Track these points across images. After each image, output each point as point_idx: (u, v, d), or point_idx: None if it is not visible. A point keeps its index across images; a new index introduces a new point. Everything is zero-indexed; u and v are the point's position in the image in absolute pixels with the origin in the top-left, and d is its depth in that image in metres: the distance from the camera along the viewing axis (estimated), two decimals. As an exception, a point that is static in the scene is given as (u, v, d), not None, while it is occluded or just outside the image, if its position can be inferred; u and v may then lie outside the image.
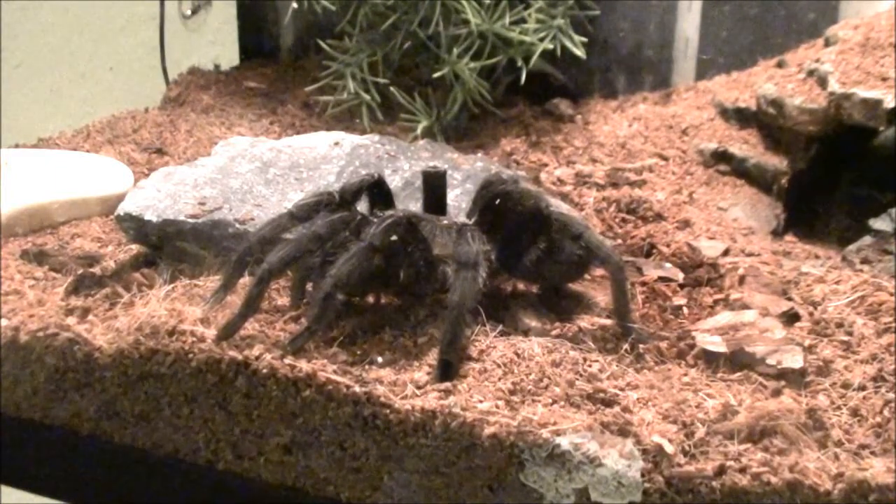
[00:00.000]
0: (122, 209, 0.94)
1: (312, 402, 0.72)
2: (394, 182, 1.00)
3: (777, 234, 1.14)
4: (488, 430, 0.67)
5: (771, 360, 0.75)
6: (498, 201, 0.85)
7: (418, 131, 1.29)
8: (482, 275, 0.76)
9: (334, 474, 0.73)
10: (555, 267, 0.84)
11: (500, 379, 0.72)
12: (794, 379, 0.74)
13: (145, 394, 0.77)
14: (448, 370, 0.72)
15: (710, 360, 0.77)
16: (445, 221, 0.86)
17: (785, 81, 1.22)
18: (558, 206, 0.98)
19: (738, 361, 0.76)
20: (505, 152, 1.26)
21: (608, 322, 0.82)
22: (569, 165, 1.20)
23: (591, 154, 1.23)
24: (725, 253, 0.96)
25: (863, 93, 1.10)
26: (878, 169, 1.22)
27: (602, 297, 0.87)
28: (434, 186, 0.90)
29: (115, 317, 0.80)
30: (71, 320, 0.81)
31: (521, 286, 0.89)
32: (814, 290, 0.87)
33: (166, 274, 0.88)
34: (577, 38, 1.31)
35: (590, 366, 0.74)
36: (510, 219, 0.84)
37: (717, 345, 0.78)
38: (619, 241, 1.01)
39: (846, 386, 0.73)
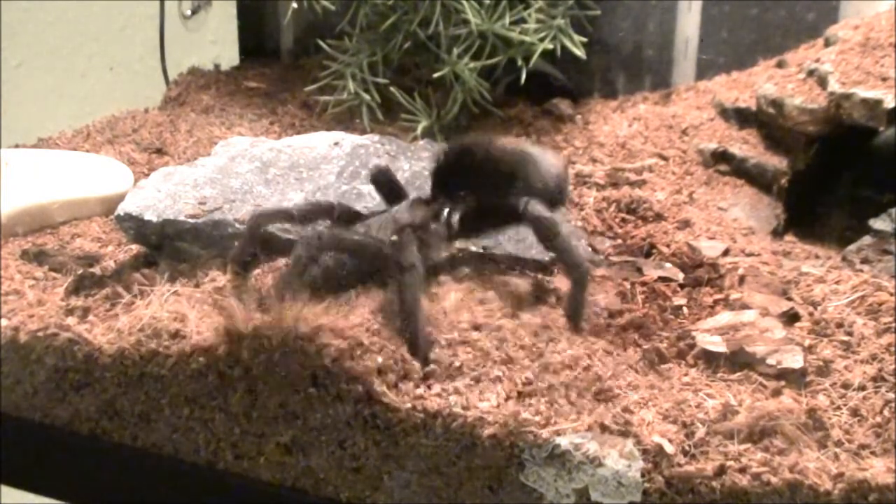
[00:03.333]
0: (122, 209, 0.94)
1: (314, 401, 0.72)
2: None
3: (777, 234, 1.14)
4: (488, 430, 0.67)
5: (771, 360, 0.75)
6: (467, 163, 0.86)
7: (418, 131, 1.29)
8: (420, 270, 0.75)
9: (334, 474, 0.73)
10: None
11: (500, 379, 0.72)
12: (794, 379, 0.74)
13: (146, 394, 0.77)
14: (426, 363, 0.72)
15: (710, 360, 0.77)
16: (387, 215, 0.86)
17: (785, 81, 1.22)
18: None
19: (738, 361, 0.76)
20: (505, 152, 1.26)
21: (608, 322, 0.82)
22: (569, 165, 1.20)
23: (591, 154, 1.23)
24: (725, 253, 0.96)
25: (863, 93, 1.10)
26: (878, 169, 1.22)
27: (602, 296, 0.87)
28: (382, 183, 0.91)
29: (116, 317, 0.80)
30: (71, 320, 0.81)
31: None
32: (814, 290, 0.87)
33: (166, 274, 0.88)
34: (577, 38, 1.31)
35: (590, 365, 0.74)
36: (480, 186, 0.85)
37: (717, 345, 0.78)
38: (619, 241, 1.01)
39: (846, 386, 0.73)
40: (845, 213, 1.21)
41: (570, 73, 1.46)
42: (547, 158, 0.87)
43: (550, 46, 1.29)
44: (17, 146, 1.28)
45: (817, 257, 1.03)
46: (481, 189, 0.86)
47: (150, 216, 0.92)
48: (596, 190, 1.11)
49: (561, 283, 0.86)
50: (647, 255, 0.98)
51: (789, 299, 0.86)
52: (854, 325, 0.80)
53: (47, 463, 0.85)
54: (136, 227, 0.93)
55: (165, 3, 1.57)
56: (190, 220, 0.92)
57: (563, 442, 0.66)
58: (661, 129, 1.27)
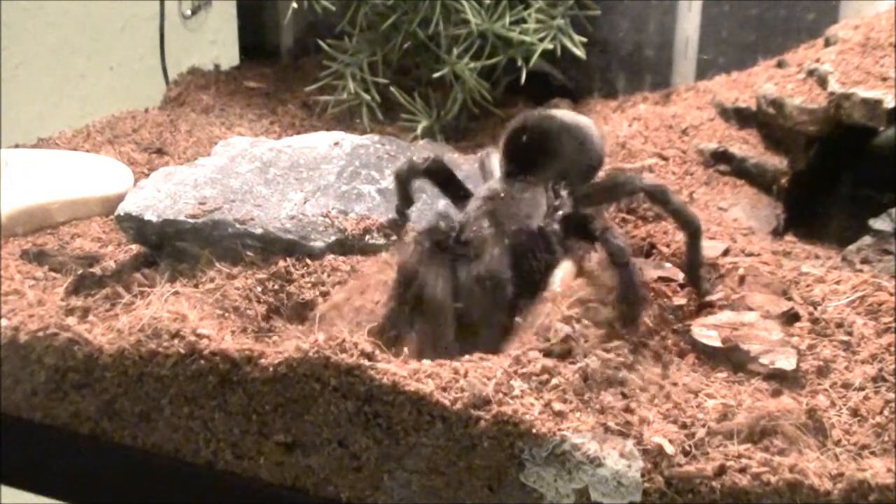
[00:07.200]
0: (122, 209, 0.94)
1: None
2: (393, 182, 1.00)
3: (777, 234, 1.14)
4: (488, 430, 0.67)
5: (764, 360, 0.75)
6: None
7: (418, 131, 1.29)
8: None
9: (334, 474, 0.73)
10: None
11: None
12: (785, 380, 0.74)
13: (146, 394, 0.77)
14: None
15: (709, 358, 0.77)
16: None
17: (785, 81, 1.22)
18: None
19: (732, 359, 0.76)
20: (505, 152, 1.26)
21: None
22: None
23: (592, 154, 1.23)
24: (725, 253, 0.96)
25: (863, 93, 1.10)
26: (878, 169, 1.22)
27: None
28: (439, 176, 0.93)
29: (116, 317, 0.80)
30: (71, 320, 0.81)
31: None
32: (814, 290, 0.87)
33: (166, 274, 0.88)
34: (577, 38, 1.31)
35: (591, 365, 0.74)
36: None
37: (712, 339, 0.78)
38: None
39: (846, 386, 0.73)
40: (845, 213, 1.20)
41: (570, 73, 1.46)
42: (593, 128, 0.95)
43: (550, 46, 1.29)
44: (17, 146, 1.28)
45: (817, 257, 1.03)
46: (555, 162, 0.90)
47: (150, 216, 0.92)
48: (596, 190, 1.10)
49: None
50: (647, 255, 0.98)
51: (789, 299, 0.86)
52: (854, 325, 0.80)
53: (47, 463, 0.85)
54: (136, 227, 0.93)
55: (165, 3, 1.56)
56: (190, 220, 0.92)
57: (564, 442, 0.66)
58: (661, 129, 1.27)
